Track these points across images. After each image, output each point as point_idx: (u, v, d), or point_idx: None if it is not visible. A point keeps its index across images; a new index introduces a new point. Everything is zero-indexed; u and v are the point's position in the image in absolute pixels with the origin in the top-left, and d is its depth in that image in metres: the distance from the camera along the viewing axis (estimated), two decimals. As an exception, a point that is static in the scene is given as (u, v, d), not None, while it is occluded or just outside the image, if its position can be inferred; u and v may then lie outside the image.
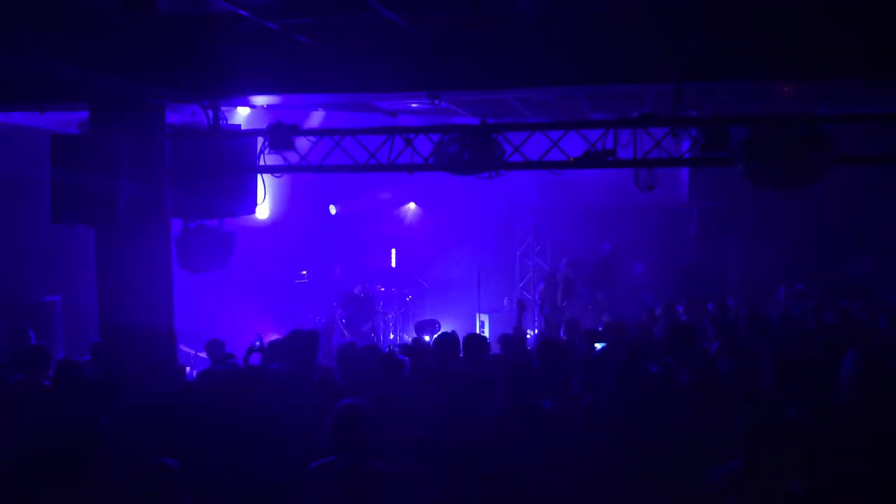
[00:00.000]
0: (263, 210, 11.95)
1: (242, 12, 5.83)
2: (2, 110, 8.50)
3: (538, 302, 12.78)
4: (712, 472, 3.97)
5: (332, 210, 14.77)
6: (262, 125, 7.83)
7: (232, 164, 7.45)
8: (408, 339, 13.28)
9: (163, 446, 4.73)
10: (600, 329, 9.39)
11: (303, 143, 7.62)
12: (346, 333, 12.61)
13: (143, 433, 5.20)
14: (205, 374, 6.68)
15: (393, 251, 15.29)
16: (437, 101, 7.19)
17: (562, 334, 9.08)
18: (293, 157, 7.57)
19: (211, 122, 7.32)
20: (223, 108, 7.46)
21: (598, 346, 8.00)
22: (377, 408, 4.81)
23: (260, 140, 7.61)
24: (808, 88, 8.22)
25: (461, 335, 7.37)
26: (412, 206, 15.36)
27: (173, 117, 7.63)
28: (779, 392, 5.20)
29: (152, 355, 6.62)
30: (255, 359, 7.49)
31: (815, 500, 3.82)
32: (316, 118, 10.54)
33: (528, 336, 12.44)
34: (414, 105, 8.87)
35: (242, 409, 5.70)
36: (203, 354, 8.66)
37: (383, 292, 14.20)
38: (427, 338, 9.44)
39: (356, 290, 13.14)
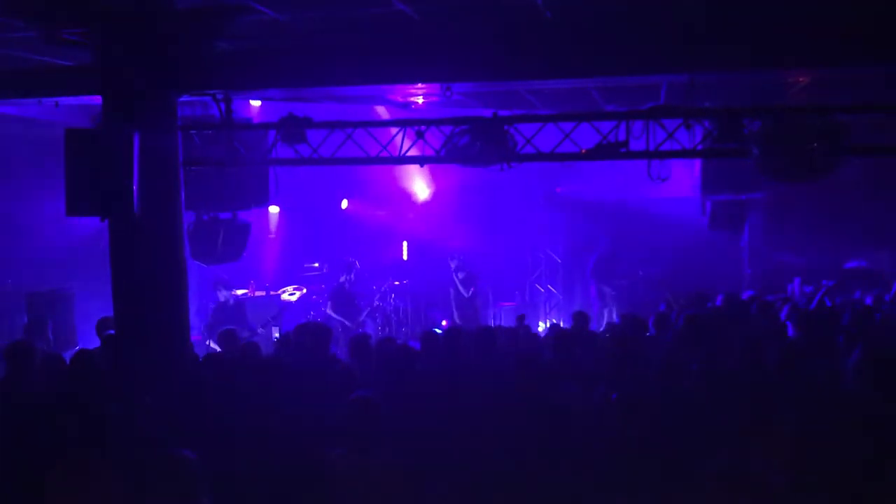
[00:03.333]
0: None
1: (255, 5, 5.85)
2: (17, 104, 8.58)
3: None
4: (706, 465, 3.97)
5: (344, 204, 14.82)
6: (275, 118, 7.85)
7: (244, 157, 7.49)
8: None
9: (178, 437, 4.77)
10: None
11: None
12: None
13: (159, 424, 5.24)
14: (213, 359, 6.68)
15: (405, 244, 15.30)
16: (449, 93, 7.19)
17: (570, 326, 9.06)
18: (305, 150, 7.59)
19: (223, 115, 7.36)
20: (235, 101, 7.49)
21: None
22: (388, 399, 4.83)
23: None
24: (822, 79, 8.16)
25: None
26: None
27: (186, 110, 7.67)
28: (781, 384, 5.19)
29: (166, 346, 6.67)
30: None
31: (805, 494, 3.81)
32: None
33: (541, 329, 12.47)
34: (421, 100, 8.88)
35: (258, 400, 5.74)
36: (215, 345, 8.71)
37: (396, 285, 14.20)
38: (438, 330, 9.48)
39: None
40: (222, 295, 10.38)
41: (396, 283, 14.25)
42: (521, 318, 9.63)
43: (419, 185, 15.10)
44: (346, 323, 11.95)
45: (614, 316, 12.40)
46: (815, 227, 12.19)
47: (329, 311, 12.17)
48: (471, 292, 12.49)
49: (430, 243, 14.84)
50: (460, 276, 12.37)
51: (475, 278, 12.56)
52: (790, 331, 7.51)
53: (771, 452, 3.81)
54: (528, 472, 4.33)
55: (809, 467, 3.85)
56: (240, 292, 12.25)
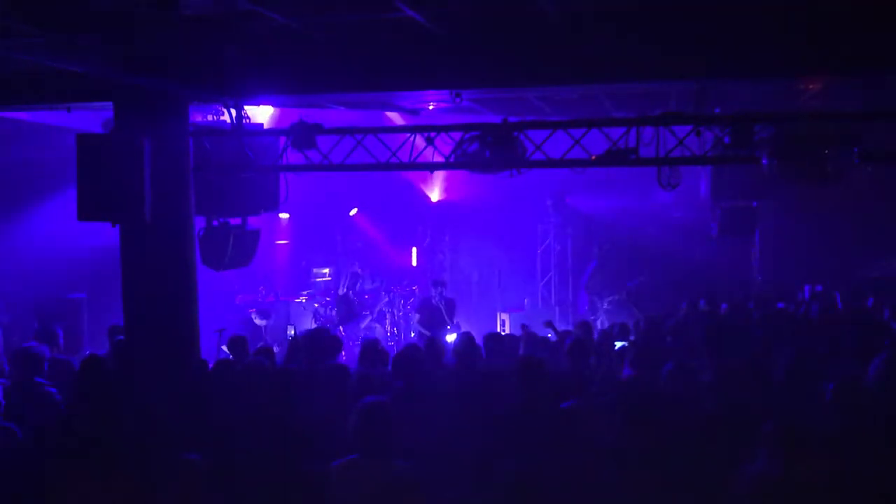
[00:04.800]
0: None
1: (265, 11, 5.86)
2: (30, 110, 8.61)
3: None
4: (739, 476, 3.91)
5: (353, 212, 14.86)
6: (285, 124, 7.87)
7: (255, 163, 7.50)
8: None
9: (186, 442, 4.77)
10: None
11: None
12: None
13: (167, 429, 5.24)
14: (223, 365, 6.69)
15: (414, 250, 15.31)
16: (458, 100, 7.19)
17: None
18: (315, 156, 7.60)
19: (234, 121, 7.37)
20: (246, 107, 7.51)
21: (619, 344, 8.00)
22: (399, 405, 4.82)
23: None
24: (834, 85, 8.13)
25: (482, 334, 7.39)
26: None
27: (197, 116, 7.69)
28: (798, 392, 5.15)
29: (176, 352, 6.67)
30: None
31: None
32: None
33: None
34: (432, 106, 8.89)
35: (267, 406, 5.73)
36: (225, 349, 8.72)
37: (406, 291, 14.21)
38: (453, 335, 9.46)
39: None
40: (257, 321, 10.40)
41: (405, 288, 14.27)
42: (525, 327, 9.46)
43: (429, 191, 15.13)
44: (341, 330, 12.10)
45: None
46: (827, 234, 12.14)
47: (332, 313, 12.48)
48: (455, 322, 12.03)
49: (439, 249, 14.88)
50: (443, 303, 11.71)
51: (455, 305, 12.06)
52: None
53: (797, 462, 3.76)
54: (540, 478, 4.31)
55: (835, 475, 3.81)
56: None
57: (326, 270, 14.49)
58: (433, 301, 11.71)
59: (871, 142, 6.60)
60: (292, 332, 11.34)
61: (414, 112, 9.48)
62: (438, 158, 7.35)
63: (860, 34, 5.96)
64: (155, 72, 6.46)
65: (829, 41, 6.03)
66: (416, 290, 14.46)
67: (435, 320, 11.62)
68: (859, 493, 3.81)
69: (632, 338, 8.25)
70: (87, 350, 9.27)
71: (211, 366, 6.77)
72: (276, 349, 10.01)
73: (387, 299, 13.64)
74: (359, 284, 13.25)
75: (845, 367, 5.69)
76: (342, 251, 14.80)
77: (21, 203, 10.20)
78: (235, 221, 7.71)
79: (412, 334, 13.69)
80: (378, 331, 12.98)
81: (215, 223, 7.62)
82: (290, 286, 14.24)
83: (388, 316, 13.60)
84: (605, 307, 13.45)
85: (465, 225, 14.90)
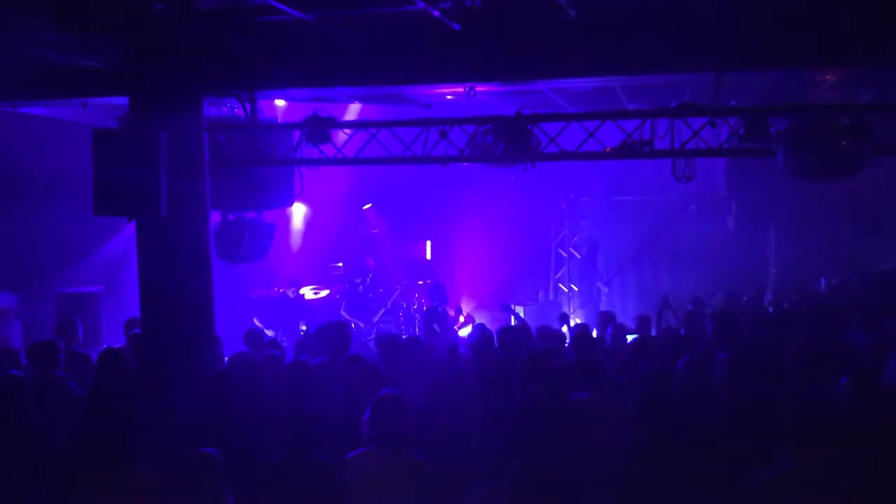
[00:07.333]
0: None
1: (278, 5, 5.87)
2: (46, 105, 8.67)
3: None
4: (756, 474, 3.87)
5: (367, 206, 14.87)
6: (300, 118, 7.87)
7: (269, 157, 7.53)
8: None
9: (203, 435, 4.80)
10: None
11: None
12: None
13: (184, 422, 5.28)
14: (239, 358, 6.72)
15: (428, 243, 15.29)
16: (472, 93, 7.17)
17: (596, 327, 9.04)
18: (329, 150, 7.61)
19: (248, 115, 7.40)
20: (261, 101, 7.52)
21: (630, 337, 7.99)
22: (416, 398, 4.84)
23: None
24: (850, 77, 8.06)
25: (495, 328, 7.40)
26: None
27: (211, 110, 7.72)
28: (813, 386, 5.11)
29: (192, 345, 6.72)
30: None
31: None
32: (352, 111, 10.55)
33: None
34: (449, 97, 8.87)
35: (282, 399, 5.77)
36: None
37: (420, 285, 14.21)
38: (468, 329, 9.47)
39: None
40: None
41: (420, 282, 14.26)
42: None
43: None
44: (360, 324, 12.08)
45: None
46: (843, 227, 12.04)
47: (343, 313, 12.39)
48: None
49: (454, 242, 14.85)
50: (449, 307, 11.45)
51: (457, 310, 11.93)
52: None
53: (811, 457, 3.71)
54: (551, 471, 4.31)
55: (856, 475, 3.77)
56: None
57: (340, 264, 14.52)
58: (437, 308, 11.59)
59: (887, 133, 6.54)
60: (304, 328, 11.38)
61: (427, 106, 9.47)
62: (452, 152, 7.35)
63: (877, 24, 5.90)
64: (170, 66, 6.49)
65: (845, 32, 5.97)
66: (430, 284, 14.45)
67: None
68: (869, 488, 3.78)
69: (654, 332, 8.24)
70: (105, 344, 9.34)
71: (227, 359, 6.81)
72: (284, 343, 10.03)
73: (400, 291, 13.67)
74: (370, 278, 13.27)
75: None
76: (355, 244, 14.81)
77: (37, 197, 10.25)
78: (250, 215, 7.75)
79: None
80: (390, 324, 13.02)
81: (230, 217, 7.65)
82: (305, 280, 14.26)
83: (401, 309, 13.61)
84: (606, 292, 13.53)
85: (480, 217, 14.85)
